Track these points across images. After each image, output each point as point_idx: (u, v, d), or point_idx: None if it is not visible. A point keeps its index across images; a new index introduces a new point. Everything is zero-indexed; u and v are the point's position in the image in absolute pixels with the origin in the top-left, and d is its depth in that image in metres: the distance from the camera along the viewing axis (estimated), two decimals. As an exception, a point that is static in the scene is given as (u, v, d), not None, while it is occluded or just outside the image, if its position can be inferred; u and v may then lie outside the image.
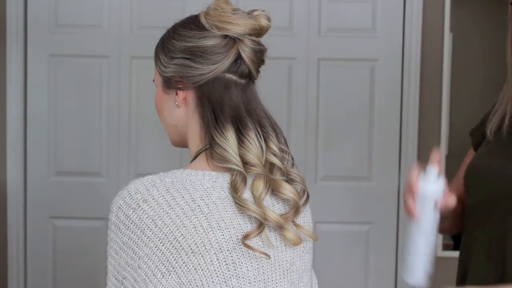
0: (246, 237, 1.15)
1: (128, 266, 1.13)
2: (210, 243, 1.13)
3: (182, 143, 1.28)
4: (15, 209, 2.94)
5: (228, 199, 1.17)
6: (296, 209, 1.21)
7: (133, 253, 1.13)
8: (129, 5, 2.91)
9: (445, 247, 2.88)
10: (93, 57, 2.92)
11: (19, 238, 2.95)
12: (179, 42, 1.22)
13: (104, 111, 2.93)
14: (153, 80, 1.29)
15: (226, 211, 1.16)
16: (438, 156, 1.31)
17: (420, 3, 2.84)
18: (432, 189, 1.30)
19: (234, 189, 1.16)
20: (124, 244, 1.14)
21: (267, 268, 1.19)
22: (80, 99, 2.94)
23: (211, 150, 1.19)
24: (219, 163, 1.18)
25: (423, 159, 2.85)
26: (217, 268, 1.13)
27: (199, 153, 1.22)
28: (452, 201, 1.32)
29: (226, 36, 1.20)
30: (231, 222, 1.15)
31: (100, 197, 2.92)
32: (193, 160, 1.23)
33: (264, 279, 1.18)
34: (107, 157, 2.94)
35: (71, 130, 2.94)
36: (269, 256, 1.18)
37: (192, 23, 1.23)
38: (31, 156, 2.95)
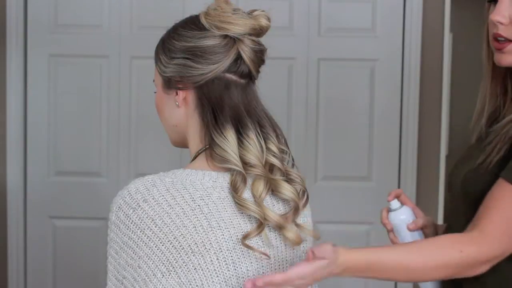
0: (245, 237, 1.15)
1: (128, 265, 1.14)
2: (210, 243, 1.13)
3: (182, 143, 1.28)
4: (15, 209, 2.94)
5: (228, 199, 1.17)
6: (295, 209, 1.21)
7: (133, 252, 1.13)
8: (129, 5, 2.91)
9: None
10: (93, 57, 2.92)
11: (19, 238, 2.94)
12: (179, 42, 1.22)
13: (104, 111, 2.93)
14: (153, 80, 1.29)
15: (226, 211, 1.16)
16: (395, 192, 1.46)
17: (420, 3, 2.84)
18: (400, 219, 1.45)
19: (234, 189, 1.16)
20: (124, 244, 1.14)
21: (267, 268, 1.19)
22: (80, 99, 2.94)
23: (210, 150, 1.19)
24: (219, 163, 1.18)
25: (423, 160, 2.86)
26: (217, 268, 1.13)
27: (199, 153, 1.22)
28: (419, 221, 1.46)
29: (226, 36, 1.19)
30: (231, 222, 1.16)
31: (100, 197, 2.92)
32: (193, 160, 1.23)
33: None
34: (107, 157, 2.94)
35: (71, 130, 2.94)
36: (268, 256, 1.18)
37: (192, 23, 1.23)
38: (31, 156, 2.95)
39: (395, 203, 1.46)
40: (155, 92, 1.29)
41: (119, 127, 2.93)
